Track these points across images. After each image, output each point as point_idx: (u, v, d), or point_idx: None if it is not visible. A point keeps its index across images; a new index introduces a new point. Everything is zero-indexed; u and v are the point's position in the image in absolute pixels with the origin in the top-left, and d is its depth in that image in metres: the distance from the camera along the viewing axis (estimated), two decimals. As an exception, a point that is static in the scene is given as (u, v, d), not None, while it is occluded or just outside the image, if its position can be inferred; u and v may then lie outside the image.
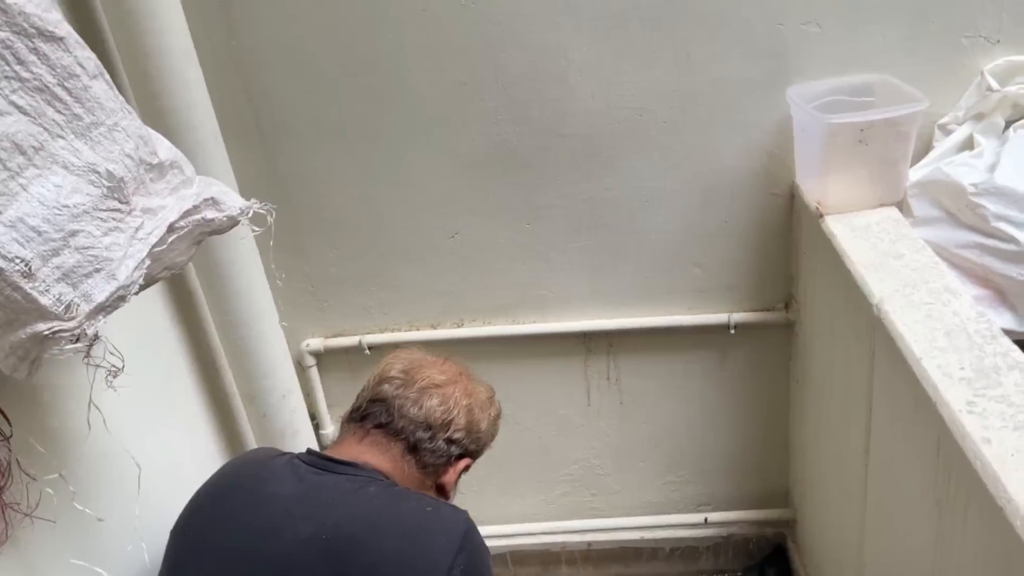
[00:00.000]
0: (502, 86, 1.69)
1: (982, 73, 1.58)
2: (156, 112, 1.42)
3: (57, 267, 0.89)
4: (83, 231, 0.91)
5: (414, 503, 1.15)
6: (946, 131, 1.63)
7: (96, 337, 0.95)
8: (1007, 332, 1.23)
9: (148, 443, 1.38)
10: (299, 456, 1.22)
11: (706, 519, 2.16)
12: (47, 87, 0.89)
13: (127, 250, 0.95)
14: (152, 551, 1.31)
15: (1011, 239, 1.43)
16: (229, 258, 1.61)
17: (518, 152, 1.76)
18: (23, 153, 0.87)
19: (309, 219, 1.85)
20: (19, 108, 0.86)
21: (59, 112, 0.91)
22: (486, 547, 1.16)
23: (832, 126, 1.48)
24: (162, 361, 1.58)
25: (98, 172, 0.93)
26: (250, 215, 1.12)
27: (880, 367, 1.33)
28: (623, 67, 1.66)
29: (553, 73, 1.67)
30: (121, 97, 0.98)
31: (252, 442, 1.81)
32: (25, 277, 0.85)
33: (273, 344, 1.76)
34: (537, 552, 2.25)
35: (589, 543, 2.23)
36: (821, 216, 1.57)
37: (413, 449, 1.23)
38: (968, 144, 1.60)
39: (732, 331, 1.90)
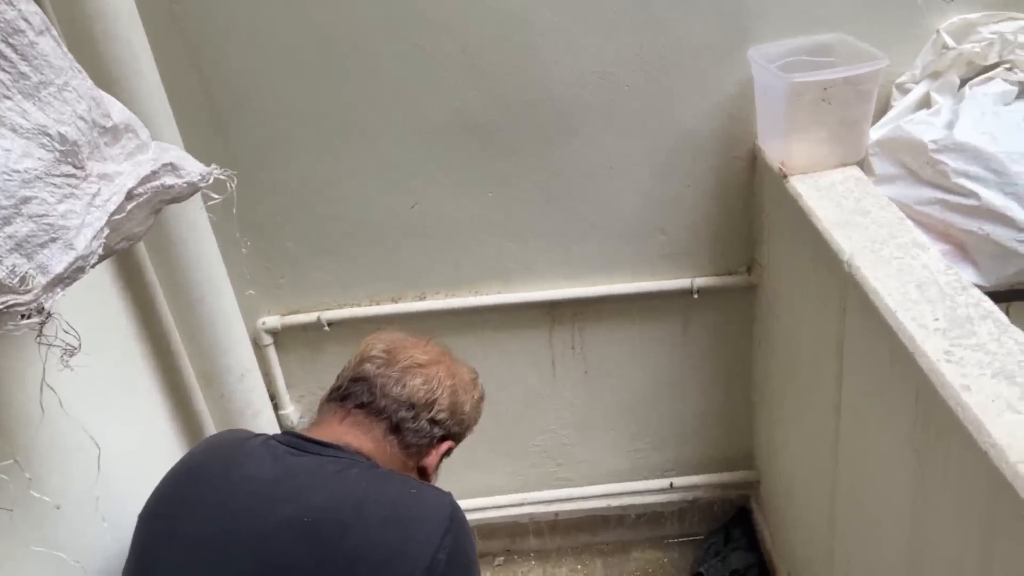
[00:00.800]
0: (464, 52, 1.65)
1: (938, 32, 1.60)
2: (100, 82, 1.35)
3: (9, 236, 0.82)
4: (36, 198, 0.85)
5: (399, 485, 1.12)
6: (903, 90, 1.65)
7: (49, 314, 0.89)
8: (972, 285, 1.25)
9: (102, 426, 1.32)
10: (275, 437, 1.18)
11: (671, 484, 2.18)
12: (-11, 43, 0.83)
13: (84, 218, 0.89)
14: (116, 535, 1.26)
15: (971, 194, 1.45)
16: (181, 230, 1.54)
17: (480, 120, 1.72)
18: (-33, 113, 0.80)
19: (263, 192, 1.79)
20: (-39, 64, 0.80)
21: (3, 71, 0.84)
22: (470, 527, 1.13)
23: (795, 84, 1.48)
24: (112, 341, 1.51)
25: (49, 135, 0.87)
26: (210, 181, 1.06)
27: (852, 323, 1.34)
28: (587, 32, 1.63)
29: (516, 40, 1.64)
30: (70, 55, 0.91)
31: (210, 424, 1.75)
32: (-25, 248, 0.79)
33: (231, 321, 1.70)
34: (505, 525, 2.24)
35: (556, 513, 2.23)
36: (785, 177, 1.58)
37: (396, 429, 1.20)
38: (925, 102, 1.62)
39: (695, 296, 1.90)
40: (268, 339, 1.93)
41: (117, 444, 1.36)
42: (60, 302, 0.91)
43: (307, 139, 1.73)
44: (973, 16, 1.58)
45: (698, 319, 1.97)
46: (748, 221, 1.84)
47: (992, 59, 1.57)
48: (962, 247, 1.49)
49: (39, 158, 0.86)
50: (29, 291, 0.84)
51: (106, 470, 1.23)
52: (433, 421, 1.22)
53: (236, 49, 1.64)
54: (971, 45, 1.57)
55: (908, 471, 1.17)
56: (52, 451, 1.18)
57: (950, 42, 1.58)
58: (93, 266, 0.92)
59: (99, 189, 0.92)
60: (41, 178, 0.85)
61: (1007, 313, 1.13)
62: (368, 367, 1.23)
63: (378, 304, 1.92)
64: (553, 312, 1.95)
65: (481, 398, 1.36)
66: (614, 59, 1.66)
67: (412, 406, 1.21)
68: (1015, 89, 1.55)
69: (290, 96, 1.69)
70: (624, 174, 1.79)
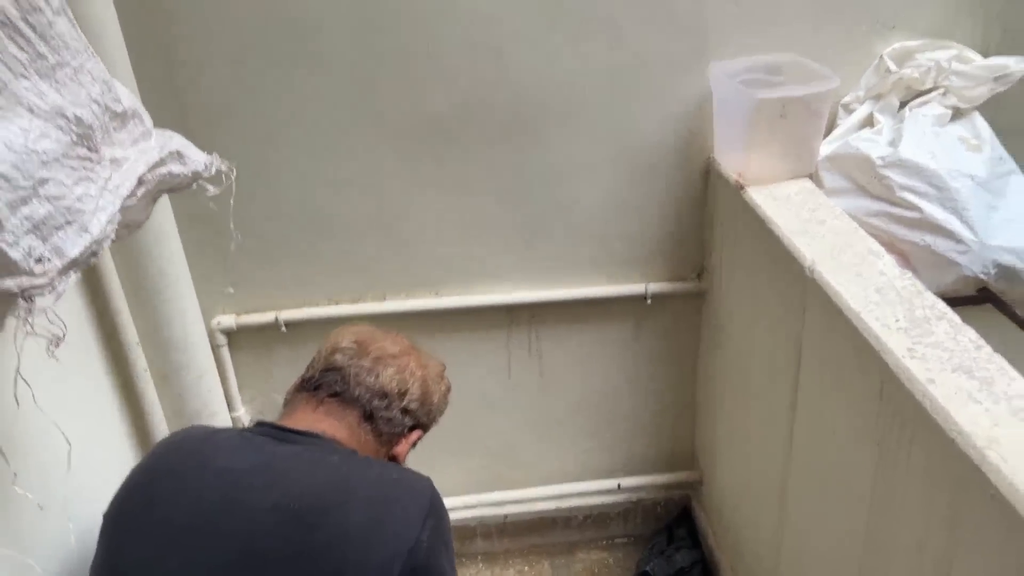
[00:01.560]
0: (431, 55, 1.67)
1: (881, 57, 1.72)
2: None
3: (26, 218, 0.81)
4: (53, 179, 0.83)
5: (379, 470, 1.15)
6: (849, 110, 1.76)
7: (59, 295, 0.87)
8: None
9: (67, 423, 1.28)
10: (249, 428, 1.19)
11: (619, 485, 2.24)
12: (9, 20, 0.81)
13: (98, 202, 0.88)
14: (80, 537, 1.22)
15: (914, 207, 1.56)
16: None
17: (444, 121, 1.74)
18: (-13, 92, 0.79)
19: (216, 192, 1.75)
20: (-19, 42, 0.78)
21: (22, 49, 0.83)
22: (445, 509, 1.17)
23: (758, 101, 1.56)
24: (70, 336, 1.46)
25: (66, 117, 0.86)
26: (213, 171, 1.06)
27: (812, 324, 1.42)
28: (554, 38, 1.68)
29: (484, 43, 1.67)
30: (84, 37, 0.90)
31: (163, 424, 1.71)
32: (-7, 228, 0.78)
33: (190, 320, 1.68)
34: (454, 527, 2.24)
35: (505, 516, 2.26)
36: (742, 188, 1.66)
37: (369, 418, 1.22)
38: (868, 122, 1.73)
39: (648, 301, 1.97)
40: (222, 339, 1.90)
41: (77, 442, 1.32)
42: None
43: (266, 135, 1.72)
44: (912, 43, 1.71)
45: (649, 323, 2.04)
46: (700, 229, 1.92)
47: (928, 84, 1.70)
48: (904, 257, 1.60)
49: (56, 140, 0.84)
50: (44, 274, 0.83)
51: (55, 467, 1.20)
52: (405, 411, 1.26)
53: (200, 44, 1.61)
54: (910, 70, 1.69)
55: (868, 462, 1.25)
56: (28, 447, 1.14)
57: (892, 66, 1.70)
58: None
59: (111, 174, 0.91)
60: (58, 160, 0.84)
61: (950, 319, 1.22)
62: (340, 357, 1.24)
63: (338, 304, 1.92)
64: (511, 315, 1.99)
65: (448, 389, 1.40)
66: (579, 66, 1.71)
67: (385, 395, 1.23)
68: (949, 112, 1.68)
69: (251, 91, 1.67)
70: (584, 180, 1.84)
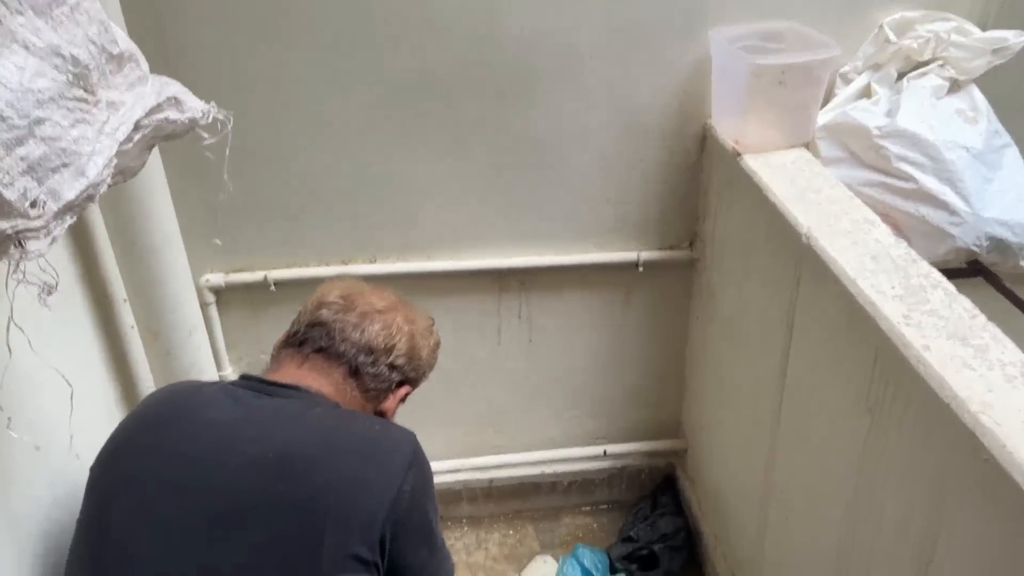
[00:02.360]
0: (425, 9, 1.64)
1: (881, 26, 1.71)
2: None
3: (22, 158, 0.79)
4: (49, 120, 0.81)
5: (363, 423, 1.16)
6: (846, 80, 1.75)
7: (55, 239, 0.85)
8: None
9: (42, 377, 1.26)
10: (234, 382, 1.19)
11: (604, 451, 2.25)
12: (4, -48, 0.78)
13: (95, 145, 0.86)
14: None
15: (910, 178, 1.56)
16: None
17: (438, 81, 1.72)
18: (-18, 25, 0.76)
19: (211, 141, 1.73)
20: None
21: (17, -17, 0.80)
22: (429, 464, 1.18)
23: (757, 67, 1.55)
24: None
25: (62, 56, 0.83)
26: (209, 119, 1.04)
27: (806, 292, 1.43)
28: (553, -1, 1.66)
29: (480, 1, 1.64)
30: (79, -26, 0.87)
31: (150, 381, 1.69)
32: (-13, 167, 0.75)
33: (180, 276, 1.66)
34: (440, 491, 2.24)
35: (491, 480, 2.27)
36: (739, 155, 1.65)
37: (355, 373, 1.22)
38: (866, 92, 1.73)
39: (640, 269, 1.97)
40: (211, 297, 1.87)
41: (52, 396, 1.30)
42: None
43: (259, 93, 1.68)
44: (912, 14, 1.70)
45: (640, 291, 2.04)
46: (694, 197, 1.92)
47: (927, 55, 1.69)
48: (898, 227, 1.60)
49: (52, 79, 0.82)
50: (40, 216, 0.81)
51: (60, 414, 1.19)
52: (392, 366, 1.25)
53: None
54: (909, 41, 1.69)
55: (859, 431, 1.26)
56: (24, 391, 1.13)
57: (892, 36, 1.69)
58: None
59: (108, 117, 0.89)
60: (55, 100, 0.82)
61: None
62: (326, 312, 1.24)
63: (328, 265, 1.90)
64: (502, 280, 1.98)
65: (437, 344, 1.39)
66: (578, 27, 1.69)
67: (371, 351, 1.23)
68: (947, 84, 1.67)
69: (242, 49, 1.63)
70: (578, 144, 1.83)
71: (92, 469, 1.11)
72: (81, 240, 1.49)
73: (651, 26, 1.70)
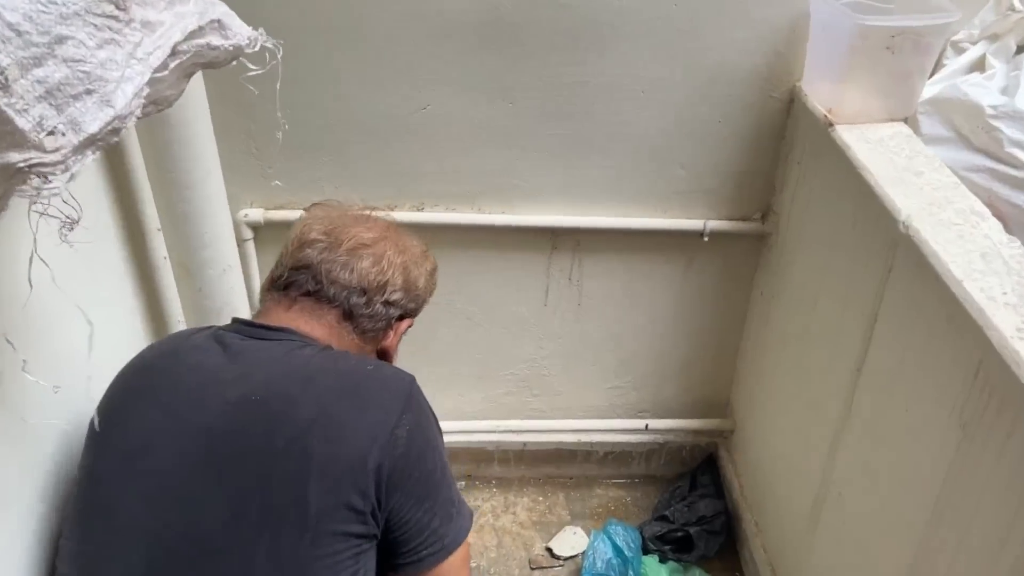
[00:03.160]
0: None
1: (1005, -9, 1.53)
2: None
3: (39, 81, 0.68)
4: (73, 39, 0.70)
5: (353, 362, 1.08)
6: (959, 49, 1.58)
7: (73, 176, 0.75)
8: None
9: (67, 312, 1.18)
10: (222, 327, 1.12)
11: (647, 426, 2.15)
12: None
13: (124, 71, 0.75)
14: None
15: (1023, 166, 1.40)
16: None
17: (502, 20, 1.57)
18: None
19: (259, 75, 1.61)
20: None
21: None
22: (432, 412, 1.10)
23: (864, 28, 1.39)
24: (87, 219, 1.34)
25: (90, -39, 0.71)
26: (256, 47, 0.92)
27: (897, 285, 1.29)
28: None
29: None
30: None
31: (181, 320, 1.61)
32: (-1, 88, 0.65)
33: (217, 211, 1.56)
34: (471, 450, 2.18)
35: (524, 443, 2.18)
36: (831, 125, 1.50)
37: (349, 316, 1.14)
38: (979, 65, 1.56)
39: (705, 239, 1.83)
40: (248, 233, 1.78)
41: (77, 332, 1.23)
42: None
43: (312, 27, 1.55)
44: (1043, -21, 1.51)
45: (702, 262, 1.91)
46: (772, 166, 1.77)
47: (1055, 28, 1.51)
48: (1003, 219, 1.44)
49: (77, -11, 0.70)
50: (57, 150, 0.70)
51: (69, 359, 1.11)
52: (388, 303, 1.16)
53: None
54: (1036, 10, 1.51)
55: (948, 441, 1.13)
56: (44, 329, 1.05)
57: (1017, 3, 1.51)
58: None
59: (141, 39, 0.77)
60: (80, 15, 0.71)
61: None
62: (310, 252, 1.14)
63: (372, 210, 1.78)
64: (555, 238, 1.86)
65: (434, 269, 1.28)
66: (665, -30, 1.53)
67: (364, 291, 1.14)
68: (1074, 63, 1.50)
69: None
70: (651, 98, 1.68)
71: (93, 418, 1.04)
72: (114, 164, 1.39)
73: (746, -27, 1.54)
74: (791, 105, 1.68)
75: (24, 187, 0.71)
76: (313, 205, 1.25)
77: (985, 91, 1.46)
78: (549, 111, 1.69)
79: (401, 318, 1.20)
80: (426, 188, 1.78)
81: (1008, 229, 1.42)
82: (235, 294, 1.66)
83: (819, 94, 1.56)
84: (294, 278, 1.14)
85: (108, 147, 0.74)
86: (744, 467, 2.08)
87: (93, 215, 1.36)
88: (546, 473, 2.26)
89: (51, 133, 0.69)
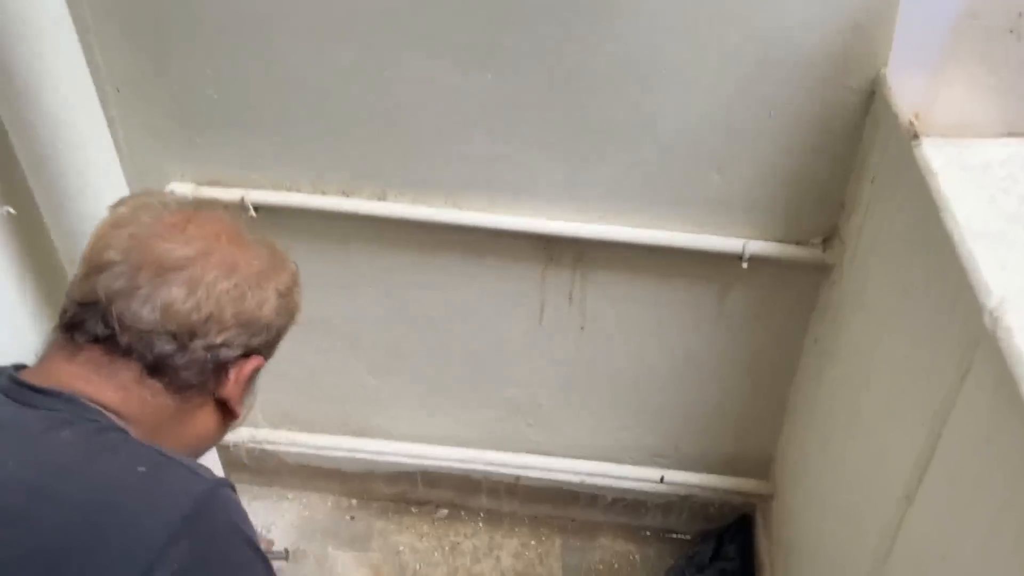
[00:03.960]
0: None
1: None
2: None
3: None
4: None
5: (121, 460, 0.75)
6: None
7: None
8: None
9: None
10: None
11: (662, 478, 1.76)
12: None
13: None
14: None
15: None
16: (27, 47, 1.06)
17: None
18: None
19: (179, 16, 1.29)
20: None
21: None
22: (238, 528, 0.76)
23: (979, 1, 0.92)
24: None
25: None
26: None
27: (976, 396, 0.85)
28: None
29: None
30: None
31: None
32: None
33: (105, 188, 1.25)
34: (455, 477, 1.85)
35: (517, 477, 1.83)
36: (916, 136, 1.04)
37: (156, 369, 0.81)
38: None
39: (744, 264, 1.40)
40: (178, 212, 1.48)
41: None
42: None
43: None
44: None
45: (740, 291, 1.48)
46: (843, 178, 1.32)
47: None
48: None
49: None
50: None
51: None
52: (212, 347, 0.82)
53: None
54: None
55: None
56: None
57: None
58: None
59: None
60: None
61: None
62: (104, 279, 0.80)
63: (324, 195, 1.45)
64: (551, 248, 1.47)
65: (291, 286, 0.91)
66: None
67: (173, 335, 0.80)
68: None
69: None
70: (681, 82, 1.25)
71: None
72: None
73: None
74: (871, 99, 1.22)
75: None
76: (122, 201, 0.89)
77: None
78: (547, 84, 1.29)
79: (246, 355, 0.87)
80: (390, 174, 1.43)
81: None
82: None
83: (905, 87, 1.09)
84: (81, 317, 0.81)
85: None
86: (782, 542, 1.66)
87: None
88: (543, 512, 1.91)
89: None
